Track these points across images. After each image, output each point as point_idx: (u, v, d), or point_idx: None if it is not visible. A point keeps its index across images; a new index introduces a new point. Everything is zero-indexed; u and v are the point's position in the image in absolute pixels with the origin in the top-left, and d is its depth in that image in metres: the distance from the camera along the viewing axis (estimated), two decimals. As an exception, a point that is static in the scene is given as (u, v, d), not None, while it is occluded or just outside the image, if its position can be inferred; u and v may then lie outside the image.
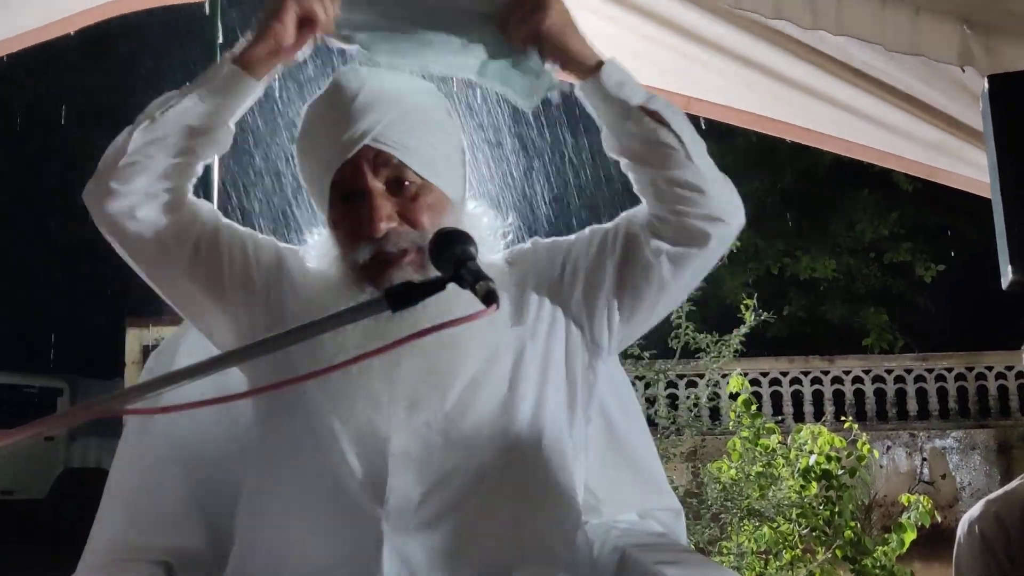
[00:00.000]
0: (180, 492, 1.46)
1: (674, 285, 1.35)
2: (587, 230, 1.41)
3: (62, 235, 15.25)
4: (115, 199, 1.28)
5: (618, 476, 1.48)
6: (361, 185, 1.26)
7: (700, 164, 1.29)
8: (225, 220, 1.39)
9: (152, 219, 1.30)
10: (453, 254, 1.04)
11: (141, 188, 1.26)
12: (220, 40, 3.40)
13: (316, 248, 1.37)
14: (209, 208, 1.36)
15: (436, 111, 1.36)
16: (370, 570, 1.15)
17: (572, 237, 1.42)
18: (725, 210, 1.31)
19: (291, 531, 1.21)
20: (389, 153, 1.26)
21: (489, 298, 0.95)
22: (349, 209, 1.29)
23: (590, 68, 1.30)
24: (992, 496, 1.83)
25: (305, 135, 1.35)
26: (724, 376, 4.70)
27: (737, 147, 12.89)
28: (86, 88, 14.22)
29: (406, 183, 1.28)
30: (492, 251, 1.38)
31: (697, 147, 1.30)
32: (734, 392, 4.48)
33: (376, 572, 1.15)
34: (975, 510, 1.81)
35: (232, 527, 1.31)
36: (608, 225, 1.40)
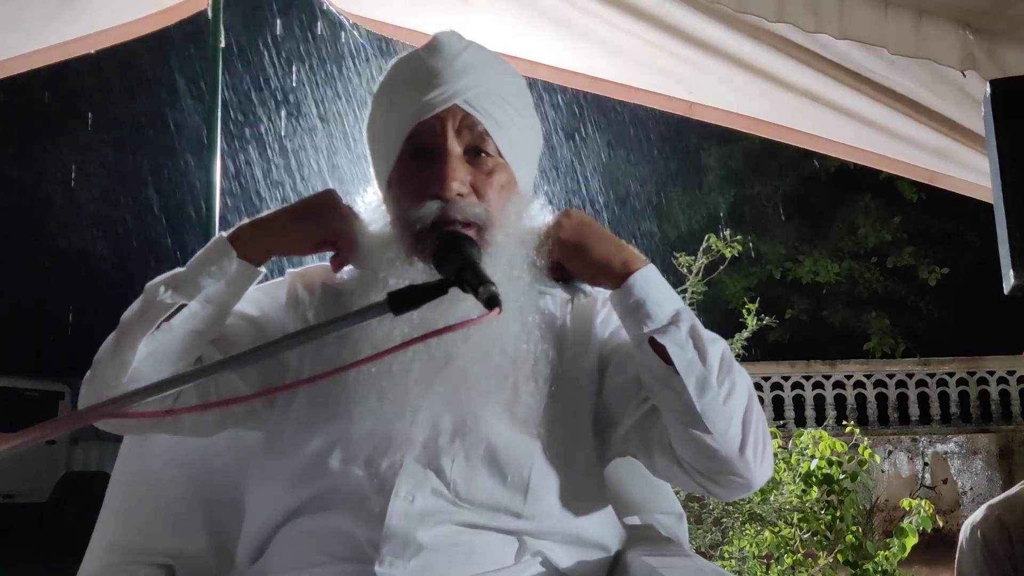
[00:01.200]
0: (182, 495, 1.46)
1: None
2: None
3: (64, 239, 15.28)
4: (130, 423, 1.25)
5: (620, 479, 1.48)
6: (440, 144, 1.21)
7: (715, 418, 1.12)
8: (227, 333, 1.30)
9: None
10: (456, 257, 1.03)
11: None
12: (223, 44, 3.41)
13: (365, 214, 1.29)
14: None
15: (525, 98, 1.31)
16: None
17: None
18: (739, 473, 1.16)
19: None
20: (477, 119, 1.22)
21: (492, 302, 0.94)
22: (419, 166, 1.23)
23: (618, 277, 1.19)
24: (994, 501, 1.82)
25: (390, 85, 1.30)
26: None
27: (740, 151, 12.92)
28: (89, 94, 14.24)
29: (484, 154, 1.24)
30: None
31: (712, 396, 1.12)
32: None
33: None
34: (977, 515, 1.81)
35: (233, 529, 1.31)
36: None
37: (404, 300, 0.92)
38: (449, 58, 1.24)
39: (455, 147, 1.22)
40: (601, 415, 1.28)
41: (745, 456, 1.15)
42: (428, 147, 1.23)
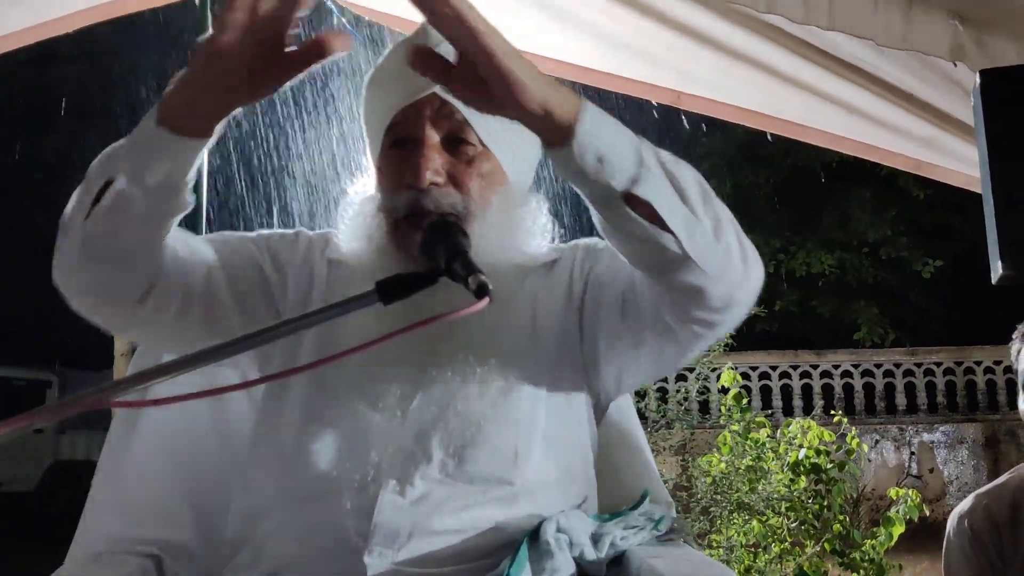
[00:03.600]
0: (169, 485, 1.45)
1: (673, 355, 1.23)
2: (607, 254, 1.26)
3: (50, 226, 15.19)
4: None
5: (610, 468, 1.48)
6: (417, 132, 1.20)
7: (705, 258, 1.03)
8: (218, 251, 1.25)
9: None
10: (445, 246, 1.02)
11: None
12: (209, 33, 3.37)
13: (354, 207, 1.28)
14: (191, 253, 1.19)
15: None
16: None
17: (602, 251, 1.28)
18: (735, 299, 1.09)
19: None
20: (454, 106, 1.19)
21: (481, 291, 0.93)
22: (398, 156, 1.22)
23: (564, 128, 0.95)
24: (981, 490, 1.83)
25: (376, 74, 1.29)
26: (714, 370, 4.71)
27: (732, 140, 12.92)
28: (76, 81, 14.15)
29: (464, 144, 1.21)
30: (539, 249, 1.30)
31: (701, 234, 1.02)
32: (725, 386, 4.48)
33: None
34: (964, 504, 1.82)
35: (221, 519, 1.31)
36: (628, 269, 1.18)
37: (393, 289, 0.91)
38: (432, 45, 1.23)
39: (432, 136, 1.20)
40: (589, 356, 1.26)
41: (748, 281, 1.09)
42: (406, 136, 1.23)
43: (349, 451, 1.18)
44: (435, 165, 1.19)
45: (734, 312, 1.12)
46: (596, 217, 1.06)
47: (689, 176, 1.04)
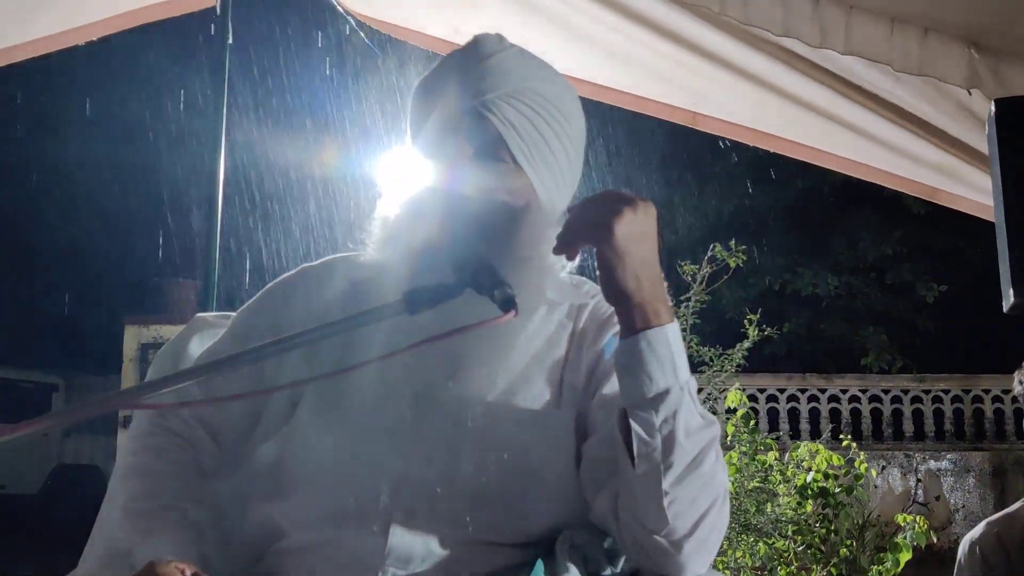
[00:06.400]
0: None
1: None
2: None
3: (61, 230, 15.24)
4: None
5: None
6: (449, 145, 1.21)
7: (653, 517, 1.06)
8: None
9: None
10: (471, 258, 1.02)
11: None
12: (231, 41, 3.41)
13: (384, 216, 1.28)
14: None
15: (563, 107, 1.27)
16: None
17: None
18: (668, 566, 1.10)
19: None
20: (492, 121, 1.20)
21: (507, 305, 0.94)
22: (432, 166, 1.23)
23: (637, 325, 1.07)
24: (993, 518, 1.83)
25: (423, 83, 1.30)
26: (722, 392, 4.70)
27: (742, 162, 12.92)
28: (91, 87, 14.22)
29: (498, 160, 1.21)
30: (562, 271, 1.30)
31: (655, 495, 1.04)
32: (732, 407, 4.47)
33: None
34: (976, 531, 1.81)
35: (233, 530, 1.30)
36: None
37: (419, 300, 0.92)
38: (479, 59, 1.23)
39: (465, 148, 1.21)
40: (580, 423, 1.25)
41: (679, 560, 1.08)
42: (440, 147, 1.23)
43: (362, 471, 1.17)
44: (466, 176, 1.20)
45: (652, 565, 1.13)
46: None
47: (696, 442, 1.07)
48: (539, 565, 1.10)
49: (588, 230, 1.08)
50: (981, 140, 2.46)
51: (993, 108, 1.97)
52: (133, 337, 9.10)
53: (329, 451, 1.19)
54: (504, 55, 1.25)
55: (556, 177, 1.27)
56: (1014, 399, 10.32)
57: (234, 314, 1.38)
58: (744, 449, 4.27)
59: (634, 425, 1.05)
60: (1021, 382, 1.77)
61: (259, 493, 1.21)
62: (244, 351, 1.03)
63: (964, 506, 10.32)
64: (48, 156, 14.68)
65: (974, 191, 3.04)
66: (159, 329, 8.78)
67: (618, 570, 1.20)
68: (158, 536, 1.13)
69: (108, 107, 14.40)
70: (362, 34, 2.92)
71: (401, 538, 1.13)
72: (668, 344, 1.08)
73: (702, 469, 1.07)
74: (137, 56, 13.69)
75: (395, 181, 1.36)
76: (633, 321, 1.07)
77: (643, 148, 12.54)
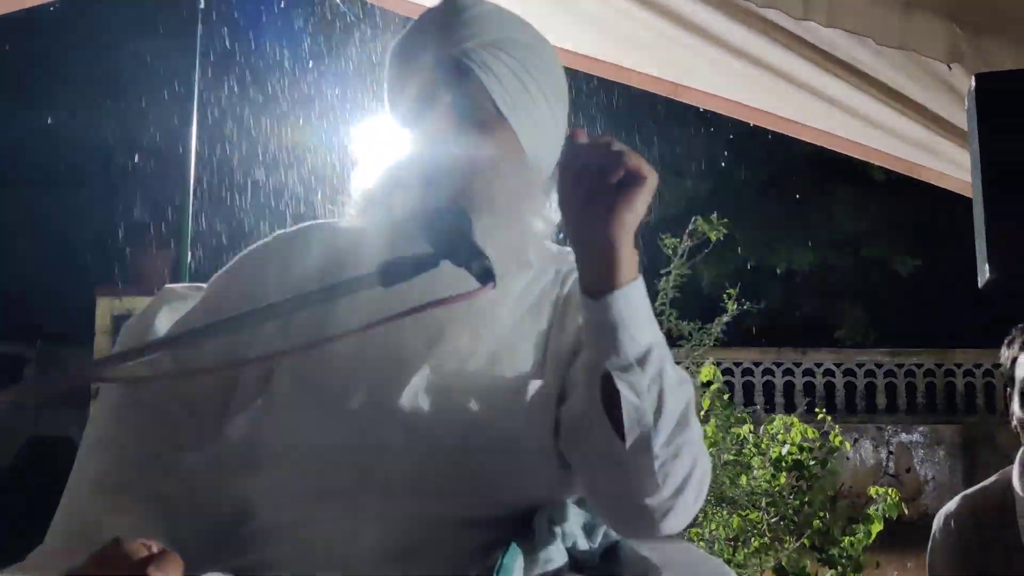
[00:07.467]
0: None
1: None
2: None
3: (32, 201, 15.01)
4: None
5: None
6: (429, 95, 1.17)
7: (642, 482, 1.03)
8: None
9: None
10: (447, 229, 1.00)
11: None
12: (202, 5, 3.34)
13: (364, 178, 1.23)
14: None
15: (545, 61, 1.23)
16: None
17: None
18: (647, 529, 1.10)
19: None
20: (471, 70, 1.16)
21: (485, 276, 0.92)
22: (412, 119, 1.20)
23: (603, 283, 1.02)
24: (968, 492, 1.84)
25: (401, 40, 1.26)
26: (698, 365, 4.72)
27: (719, 137, 12.94)
28: (58, 49, 13.94)
29: (479, 109, 1.18)
30: (547, 239, 1.26)
31: (646, 460, 1.01)
32: (706, 381, 4.50)
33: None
34: (951, 505, 1.82)
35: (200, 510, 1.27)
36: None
37: (394, 272, 0.90)
38: (457, 9, 1.20)
39: (443, 97, 1.17)
40: (563, 393, 1.21)
41: (664, 522, 1.07)
42: (419, 98, 1.19)
43: (337, 446, 1.15)
44: (445, 126, 1.16)
45: (627, 531, 1.14)
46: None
47: (680, 397, 1.04)
48: (513, 547, 1.09)
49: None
50: (961, 115, 2.46)
51: (973, 83, 1.95)
52: (105, 308, 9.01)
53: (303, 426, 1.17)
54: (482, 8, 1.22)
55: (540, 132, 1.23)
56: (987, 372, 10.47)
57: (204, 285, 1.35)
58: (719, 423, 4.30)
59: (624, 389, 1.00)
60: (1006, 356, 1.77)
61: (232, 468, 1.19)
62: (217, 322, 1.00)
63: (934, 478, 10.48)
64: (16, 121, 14.41)
65: (953, 166, 3.05)
66: (132, 300, 8.67)
67: (595, 544, 1.19)
68: (125, 512, 1.11)
69: (76, 70, 14.12)
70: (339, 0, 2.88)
71: (377, 516, 1.11)
72: (644, 297, 1.05)
73: (688, 425, 1.05)
74: (107, 18, 13.43)
75: (375, 148, 1.31)
76: (617, 275, 1.01)
77: (622, 121, 12.50)
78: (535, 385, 1.19)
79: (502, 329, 1.20)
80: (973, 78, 1.98)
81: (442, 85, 1.17)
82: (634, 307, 1.02)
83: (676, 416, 1.03)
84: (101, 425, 1.23)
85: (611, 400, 1.02)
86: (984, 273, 1.94)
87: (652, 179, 1.01)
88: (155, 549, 0.96)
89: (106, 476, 1.16)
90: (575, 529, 1.17)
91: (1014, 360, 1.76)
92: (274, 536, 1.14)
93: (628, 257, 1.01)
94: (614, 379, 1.01)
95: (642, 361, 1.01)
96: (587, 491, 1.15)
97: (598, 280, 1.02)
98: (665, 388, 1.02)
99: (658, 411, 1.01)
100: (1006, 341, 1.78)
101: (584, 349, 1.09)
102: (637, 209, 1.00)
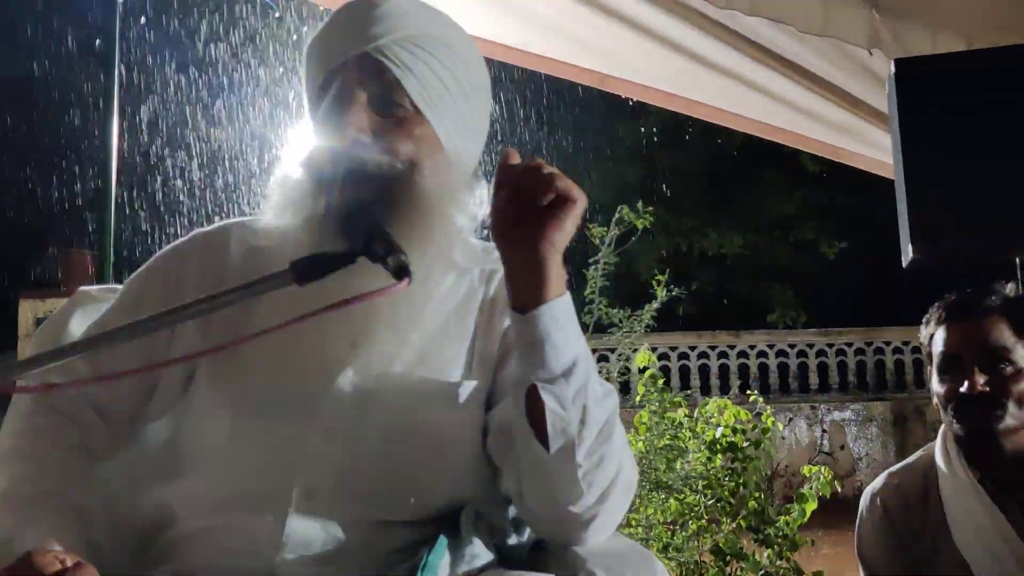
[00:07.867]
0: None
1: None
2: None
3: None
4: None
5: None
6: (344, 92, 1.14)
7: (565, 490, 1.05)
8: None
9: None
10: (364, 225, 0.98)
11: None
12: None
13: (281, 176, 1.20)
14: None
15: (462, 55, 1.21)
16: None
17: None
18: (571, 536, 1.11)
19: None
20: (386, 66, 1.13)
21: (401, 272, 0.90)
22: (325, 116, 1.16)
23: (529, 300, 1.04)
24: (893, 469, 1.87)
25: (318, 35, 1.23)
26: (635, 351, 4.76)
27: (650, 125, 13.07)
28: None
29: (396, 106, 1.15)
30: (470, 235, 1.25)
31: (570, 469, 1.03)
32: (642, 367, 4.53)
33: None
34: (877, 482, 1.85)
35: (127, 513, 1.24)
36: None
37: (307, 270, 0.87)
38: (369, 7, 1.17)
39: (359, 95, 1.14)
40: (490, 395, 1.21)
41: (590, 529, 1.09)
42: (335, 96, 1.16)
43: (259, 449, 1.12)
44: (360, 123, 1.13)
45: (552, 535, 1.14)
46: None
47: (604, 409, 1.07)
48: (442, 540, 1.08)
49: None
50: (882, 100, 2.51)
51: (893, 68, 2.00)
52: (28, 312, 8.76)
53: (224, 429, 1.14)
54: (398, 1, 1.19)
55: (460, 127, 1.21)
56: (915, 350, 10.77)
57: (120, 286, 1.31)
58: (654, 408, 4.33)
59: (548, 400, 1.02)
60: (924, 333, 1.81)
61: (151, 475, 1.16)
62: (133, 322, 0.97)
63: (867, 454, 10.76)
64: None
65: (875, 149, 3.11)
66: (56, 303, 8.44)
67: (524, 539, 1.19)
68: (39, 524, 1.06)
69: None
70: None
71: (299, 521, 1.09)
72: (570, 312, 1.07)
73: (612, 435, 1.07)
74: (20, 6, 13.00)
75: (296, 144, 1.28)
76: (544, 291, 1.03)
77: (550, 112, 12.54)
78: (463, 387, 1.18)
79: (428, 330, 1.19)
80: (893, 63, 2.02)
81: (357, 83, 1.15)
82: (560, 322, 1.04)
83: (599, 426, 1.06)
84: (13, 433, 1.18)
85: (537, 411, 1.04)
86: (907, 253, 1.98)
87: (582, 201, 1.02)
88: (69, 563, 0.92)
89: (19, 487, 1.11)
90: (503, 523, 1.16)
91: (931, 337, 1.79)
92: (195, 543, 1.11)
93: (556, 275, 1.04)
94: (539, 391, 1.02)
95: (567, 374, 1.04)
96: (514, 498, 1.15)
97: (526, 296, 1.04)
98: (589, 400, 1.05)
99: (582, 421, 1.04)
100: (924, 320, 1.82)
101: (512, 360, 1.11)
102: (566, 229, 1.02)
